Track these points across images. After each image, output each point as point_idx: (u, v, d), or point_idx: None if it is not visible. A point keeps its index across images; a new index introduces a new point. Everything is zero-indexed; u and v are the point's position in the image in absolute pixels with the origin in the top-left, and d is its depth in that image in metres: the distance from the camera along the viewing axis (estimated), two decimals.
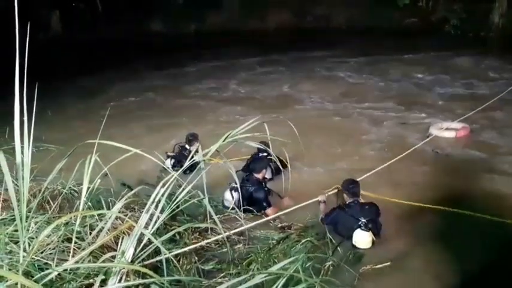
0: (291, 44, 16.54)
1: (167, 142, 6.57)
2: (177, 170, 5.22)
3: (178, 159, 5.57)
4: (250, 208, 4.47)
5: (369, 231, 3.92)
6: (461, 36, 15.69)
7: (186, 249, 2.98)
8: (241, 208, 4.18)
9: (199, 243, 3.36)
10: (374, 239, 3.94)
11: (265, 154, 4.99)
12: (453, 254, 3.67)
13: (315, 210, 4.37)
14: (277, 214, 4.29)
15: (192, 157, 5.42)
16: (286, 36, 18.41)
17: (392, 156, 5.47)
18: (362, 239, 3.92)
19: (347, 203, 4.20)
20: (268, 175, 5.02)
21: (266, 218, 4.27)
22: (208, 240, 3.53)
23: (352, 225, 3.96)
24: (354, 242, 3.94)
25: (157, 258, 2.28)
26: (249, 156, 5.36)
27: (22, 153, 2.02)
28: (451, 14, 16.49)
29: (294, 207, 4.28)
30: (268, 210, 4.51)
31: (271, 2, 20.62)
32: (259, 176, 4.72)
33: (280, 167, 4.31)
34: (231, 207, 4.41)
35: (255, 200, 4.56)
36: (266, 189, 4.68)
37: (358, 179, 4.44)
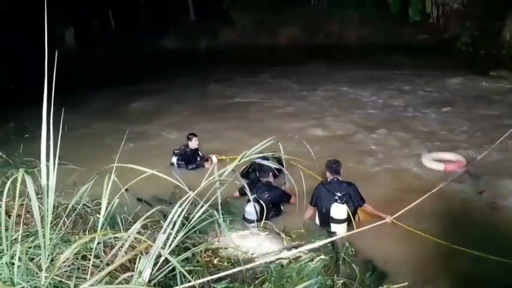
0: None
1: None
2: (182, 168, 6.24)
3: (182, 155, 6.36)
4: (269, 222, 4.42)
5: (344, 203, 4.24)
6: (472, 53, 15.62)
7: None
8: (263, 220, 4.29)
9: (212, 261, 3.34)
10: (351, 216, 4.21)
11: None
12: None
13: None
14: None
15: (194, 152, 6.39)
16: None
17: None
18: (337, 210, 4.25)
19: (328, 180, 4.57)
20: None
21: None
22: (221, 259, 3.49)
23: (330, 200, 4.31)
24: (331, 215, 4.28)
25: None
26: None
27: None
28: (463, 32, 16.46)
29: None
30: (292, 199, 4.79)
31: (283, 19, 20.81)
32: (268, 179, 4.98)
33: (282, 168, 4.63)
34: (255, 219, 4.40)
35: (275, 202, 4.80)
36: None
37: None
